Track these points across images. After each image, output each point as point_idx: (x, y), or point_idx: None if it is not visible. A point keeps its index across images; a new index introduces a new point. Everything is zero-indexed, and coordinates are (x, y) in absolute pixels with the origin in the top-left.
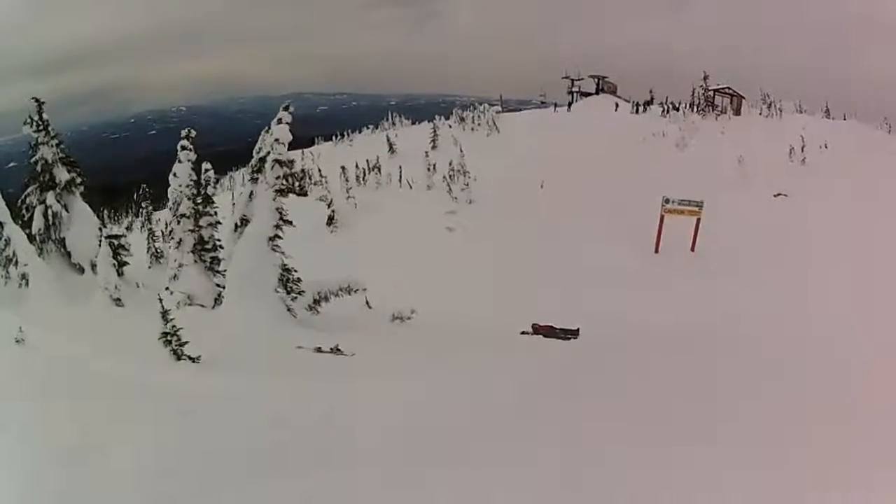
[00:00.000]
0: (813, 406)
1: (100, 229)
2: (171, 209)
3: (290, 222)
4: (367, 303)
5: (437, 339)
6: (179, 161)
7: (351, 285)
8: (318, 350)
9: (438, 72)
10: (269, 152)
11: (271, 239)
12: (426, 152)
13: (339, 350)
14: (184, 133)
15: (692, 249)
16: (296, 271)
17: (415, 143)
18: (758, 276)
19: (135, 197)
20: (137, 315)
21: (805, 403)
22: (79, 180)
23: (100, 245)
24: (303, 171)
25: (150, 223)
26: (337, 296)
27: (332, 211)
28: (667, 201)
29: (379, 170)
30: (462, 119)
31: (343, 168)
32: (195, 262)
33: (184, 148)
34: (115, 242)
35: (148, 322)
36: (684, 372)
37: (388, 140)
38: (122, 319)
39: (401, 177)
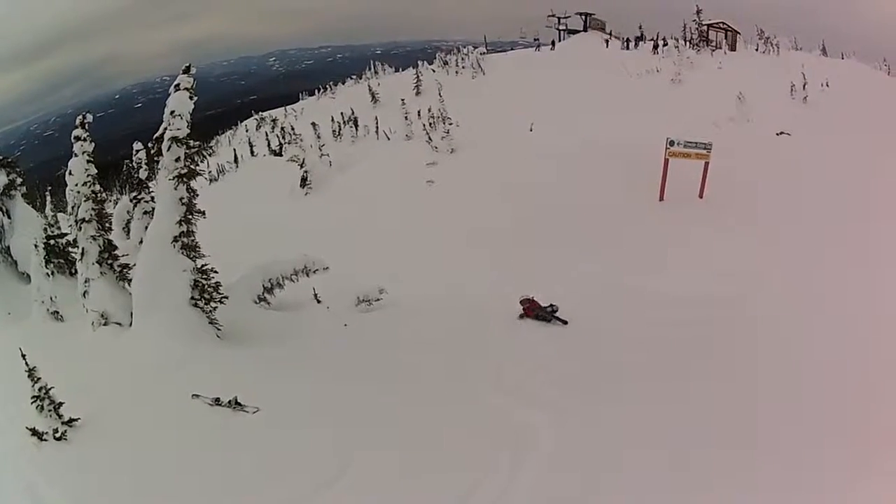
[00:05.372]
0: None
1: (45, 228)
2: (70, 214)
3: (202, 213)
4: (316, 296)
5: (405, 343)
6: (74, 155)
7: (308, 266)
8: (217, 402)
9: (423, 17)
10: (165, 129)
11: (176, 238)
12: (402, 100)
13: (238, 404)
14: (78, 120)
15: (700, 196)
16: (215, 272)
17: (399, 90)
18: (775, 228)
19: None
20: (65, 335)
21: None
22: (19, 181)
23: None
24: (282, 128)
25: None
26: (292, 280)
27: (305, 171)
28: (671, 143)
29: (355, 123)
30: (445, 63)
31: (314, 124)
32: (102, 274)
33: (77, 138)
34: (62, 242)
35: (72, 339)
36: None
37: (371, 90)
38: (45, 341)
39: (377, 128)
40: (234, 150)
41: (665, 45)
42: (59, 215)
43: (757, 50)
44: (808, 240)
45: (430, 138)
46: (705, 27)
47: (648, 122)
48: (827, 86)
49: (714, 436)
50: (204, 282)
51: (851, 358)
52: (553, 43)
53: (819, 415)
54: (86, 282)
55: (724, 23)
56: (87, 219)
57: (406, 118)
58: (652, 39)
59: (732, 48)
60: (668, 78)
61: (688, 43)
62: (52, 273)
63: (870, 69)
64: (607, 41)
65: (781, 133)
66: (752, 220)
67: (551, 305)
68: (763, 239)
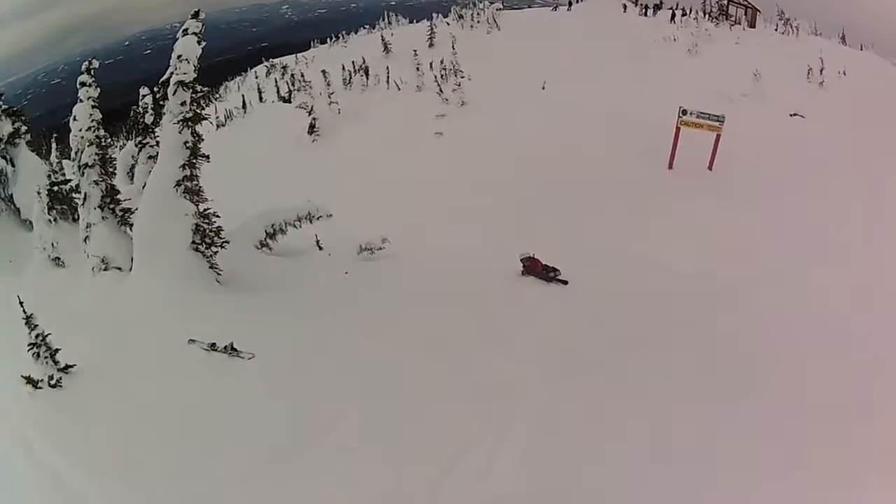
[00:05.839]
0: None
1: (48, 175)
2: (73, 159)
3: (206, 157)
4: (318, 243)
5: (404, 293)
6: (79, 100)
7: (311, 212)
8: (212, 347)
9: None
10: (172, 73)
11: (179, 183)
12: (415, 51)
13: (234, 349)
14: (84, 66)
15: (710, 168)
16: (217, 216)
17: (411, 42)
18: (778, 203)
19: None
20: (65, 281)
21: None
22: (24, 129)
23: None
24: (292, 75)
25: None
26: (294, 226)
27: (314, 119)
28: (684, 112)
29: (366, 72)
30: (461, 16)
31: (324, 72)
32: (103, 218)
33: (83, 84)
34: (65, 188)
35: (72, 285)
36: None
37: (383, 40)
38: (45, 287)
39: (388, 78)
40: (243, 96)
41: (684, 15)
42: (65, 162)
43: (776, 30)
44: (812, 218)
45: (441, 90)
46: (725, 2)
47: (661, 90)
48: (844, 74)
49: (712, 413)
50: (205, 226)
51: (851, 351)
52: (570, 3)
53: (823, 402)
54: (87, 227)
55: None
56: (90, 164)
57: (418, 69)
58: (671, 8)
59: (752, 25)
60: (685, 48)
61: (707, 15)
62: (55, 219)
63: (888, 64)
64: (625, 6)
65: (795, 114)
66: (759, 196)
67: (554, 270)
68: (768, 214)
